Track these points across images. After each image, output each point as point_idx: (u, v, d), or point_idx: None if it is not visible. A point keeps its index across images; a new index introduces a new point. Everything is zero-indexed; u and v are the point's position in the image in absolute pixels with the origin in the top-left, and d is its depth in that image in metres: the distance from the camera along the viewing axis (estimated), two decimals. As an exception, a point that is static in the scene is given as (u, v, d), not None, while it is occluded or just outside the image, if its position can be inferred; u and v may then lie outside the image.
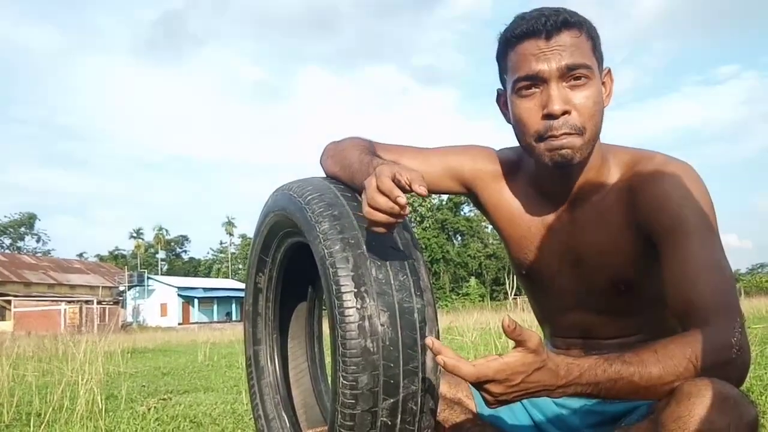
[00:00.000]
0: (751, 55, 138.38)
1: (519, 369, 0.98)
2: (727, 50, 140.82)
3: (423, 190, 1.02)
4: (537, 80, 1.19)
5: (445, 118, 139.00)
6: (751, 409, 0.97)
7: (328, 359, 1.31)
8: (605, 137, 1.30)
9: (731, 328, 1.05)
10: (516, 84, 1.21)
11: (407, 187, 1.03)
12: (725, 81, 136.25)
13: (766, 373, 3.43)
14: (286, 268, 1.52)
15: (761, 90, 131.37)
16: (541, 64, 1.17)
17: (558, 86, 1.17)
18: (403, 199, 1.03)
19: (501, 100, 1.31)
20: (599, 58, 1.23)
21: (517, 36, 1.20)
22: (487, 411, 1.38)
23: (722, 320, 1.06)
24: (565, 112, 1.17)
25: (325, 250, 1.10)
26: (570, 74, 1.17)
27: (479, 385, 0.99)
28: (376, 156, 1.25)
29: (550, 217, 1.33)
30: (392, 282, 1.08)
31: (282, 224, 1.35)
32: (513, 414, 1.40)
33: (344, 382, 1.05)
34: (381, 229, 1.07)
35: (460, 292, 59.82)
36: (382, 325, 1.05)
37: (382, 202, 1.04)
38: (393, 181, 1.04)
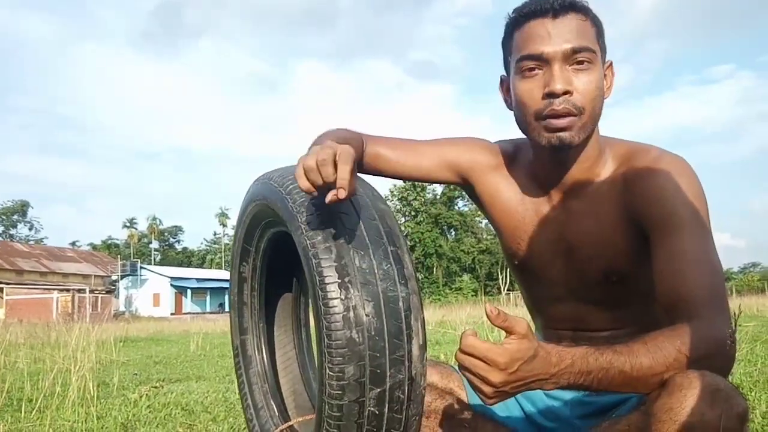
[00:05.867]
0: (746, 55, 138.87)
1: (517, 355, 0.97)
2: (722, 50, 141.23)
3: (342, 193, 0.99)
4: (541, 60, 1.19)
5: (442, 113, 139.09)
6: (741, 401, 0.97)
7: (314, 346, 1.30)
8: (602, 133, 1.30)
9: (720, 321, 1.06)
10: (519, 63, 1.22)
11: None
12: (720, 80, 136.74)
13: (755, 369, 3.46)
14: (269, 258, 1.51)
15: (756, 90, 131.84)
16: (546, 46, 1.18)
17: (561, 68, 1.18)
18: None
19: (504, 86, 1.32)
20: (602, 48, 1.24)
21: (525, 15, 1.21)
22: (479, 401, 1.37)
23: (711, 313, 1.07)
24: (567, 92, 1.17)
25: (307, 241, 1.08)
26: (574, 57, 1.18)
27: (478, 375, 0.98)
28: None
29: (545, 208, 1.33)
30: (376, 271, 1.07)
31: (264, 214, 1.33)
32: (504, 405, 1.40)
33: (330, 373, 1.04)
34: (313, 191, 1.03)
35: (453, 286, 59.94)
36: (367, 315, 1.04)
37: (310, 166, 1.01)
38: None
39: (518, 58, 1.22)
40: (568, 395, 1.35)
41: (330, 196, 1.00)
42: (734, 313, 1.10)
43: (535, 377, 1.00)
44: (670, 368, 1.01)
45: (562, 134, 1.19)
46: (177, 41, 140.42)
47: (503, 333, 1.00)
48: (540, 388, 1.03)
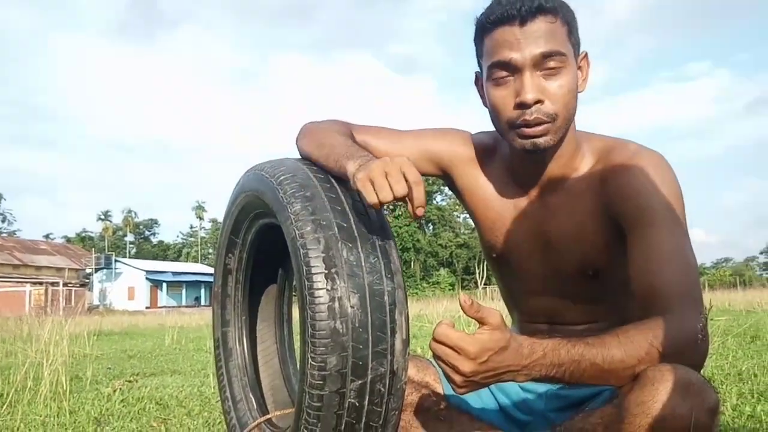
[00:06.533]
0: (722, 53, 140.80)
1: (488, 345, 0.99)
2: (698, 48, 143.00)
3: (420, 211, 1.06)
4: (511, 68, 1.19)
5: (423, 106, 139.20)
6: (712, 394, 0.99)
7: (297, 342, 1.31)
8: (579, 128, 1.31)
9: (694, 316, 1.07)
10: (490, 71, 1.22)
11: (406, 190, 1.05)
12: (696, 78, 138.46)
13: (727, 362, 3.51)
14: (256, 250, 1.51)
15: (731, 88, 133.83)
16: (515, 53, 1.17)
17: (531, 75, 1.18)
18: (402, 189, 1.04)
19: (479, 82, 1.32)
20: (575, 44, 1.23)
21: (492, 22, 1.20)
22: (454, 396, 1.38)
23: (685, 308, 1.08)
24: (538, 101, 1.17)
25: (296, 231, 1.09)
26: (544, 62, 1.17)
27: (449, 363, 1.00)
28: (358, 144, 1.26)
29: (523, 202, 1.35)
30: (363, 264, 1.08)
31: (253, 205, 1.33)
32: (479, 398, 1.41)
33: (312, 363, 1.04)
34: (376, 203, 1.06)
35: (431, 280, 60.09)
36: (352, 306, 1.05)
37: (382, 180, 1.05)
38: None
39: (489, 65, 1.22)
40: (542, 388, 1.37)
41: (414, 212, 1.06)
42: (706, 308, 1.12)
43: (507, 368, 1.02)
44: (642, 361, 1.03)
45: (536, 140, 1.20)
46: (154, 32, 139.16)
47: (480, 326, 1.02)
48: (512, 380, 1.04)
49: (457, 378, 1.01)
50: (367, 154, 1.17)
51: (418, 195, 1.05)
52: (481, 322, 1.00)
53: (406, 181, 1.05)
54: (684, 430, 0.95)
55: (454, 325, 1.02)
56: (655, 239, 1.15)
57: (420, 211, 1.05)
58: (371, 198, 1.05)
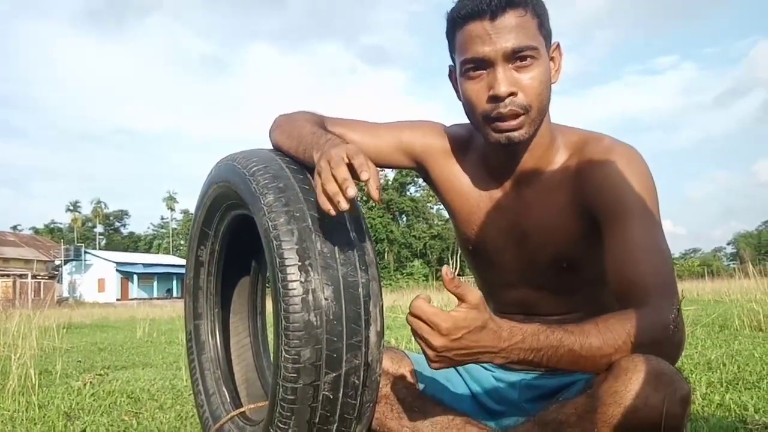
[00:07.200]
0: (689, 46, 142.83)
1: (461, 324, 0.99)
2: (666, 41, 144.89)
3: (375, 194, 1.03)
4: (483, 63, 1.19)
5: (394, 98, 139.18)
6: (684, 385, 1.00)
7: (270, 335, 1.30)
8: (552, 121, 1.31)
9: (669, 308, 1.09)
10: (463, 66, 1.22)
11: (357, 174, 1.03)
12: (664, 71, 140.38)
13: (696, 352, 3.57)
14: (228, 242, 1.49)
15: (698, 81, 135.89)
16: (487, 47, 1.17)
17: (504, 68, 1.18)
18: (352, 191, 1.02)
19: (453, 76, 1.31)
20: (546, 35, 1.24)
21: (462, 17, 1.20)
22: (428, 386, 1.39)
23: (661, 300, 1.10)
24: (511, 94, 1.18)
25: (269, 223, 1.08)
26: (515, 56, 1.18)
27: (422, 337, 1.01)
28: (328, 131, 1.24)
29: (498, 194, 1.35)
30: (337, 256, 1.07)
31: (225, 196, 1.32)
32: (453, 387, 1.41)
33: (286, 355, 1.04)
34: (331, 212, 1.05)
35: (405, 271, 60.30)
36: (326, 299, 1.04)
37: (332, 191, 1.03)
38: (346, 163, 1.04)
39: (461, 60, 1.22)
40: (515, 377, 1.38)
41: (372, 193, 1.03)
42: (680, 299, 1.14)
43: (483, 349, 1.02)
44: (619, 351, 1.04)
45: (510, 134, 1.20)
46: (123, 19, 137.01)
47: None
48: (490, 361, 1.05)
49: (430, 352, 1.02)
50: (330, 138, 1.16)
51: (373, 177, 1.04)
52: (460, 299, 1.01)
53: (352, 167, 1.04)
54: (656, 419, 0.97)
55: (431, 300, 1.03)
56: (630, 232, 1.17)
57: (375, 194, 1.03)
58: (324, 205, 1.05)
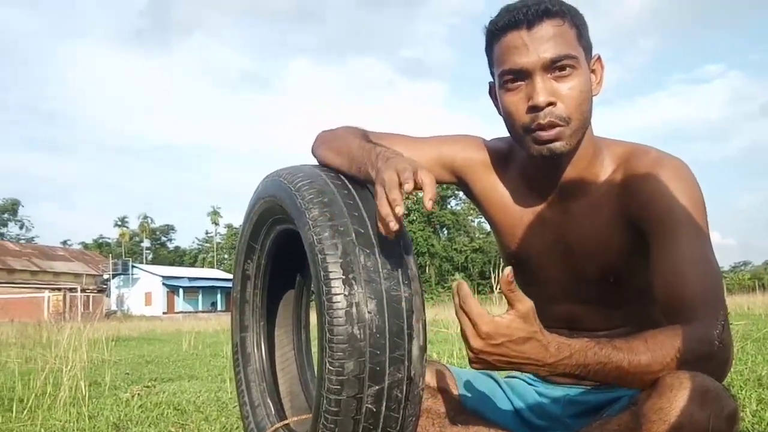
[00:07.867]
0: (736, 54, 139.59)
1: (503, 330, 1.00)
2: (712, 49, 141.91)
3: (429, 205, 1.04)
4: (521, 74, 1.19)
5: (432, 111, 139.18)
6: (730, 402, 0.98)
7: (314, 349, 1.32)
8: (594, 133, 1.30)
9: (715, 324, 1.07)
10: (502, 77, 1.22)
11: (419, 185, 1.04)
12: (711, 80, 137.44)
13: (746, 368, 3.47)
14: (274, 256, 1.52)
15: (745, 90, 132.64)
16: (524, 58, 1.17)
17: (543, 78, 1.18)
18: (400, 209, 1.03)
19: (492, 91, 1.31)
20: (585, 47, 1.23)
21: (500, 28, 1.21)
22: (470, 401, 1.39)
23: (708, 315, 1.08)
24: (550, 104, 1.17)
25: (314, 237, 1.09)
26: (554, 66, 1.17)
27: (464, 334, 1.02)
28: (375, 144, 1.24)
29: (541, 207, 1.34)
30: (380, 270, 1.08)
31: (271, 211, 1.34)
32: (495, 402, 1.41)
33: (330, 368, 1.05)
34: (390, 235, 1.06)
35: (446, 285, 59.92)
36: (369, 312, 1.05)
37: (385, 212, 1.04)
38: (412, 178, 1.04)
39: (500, 72, 1.22)
40: (559, 393, 1.37)
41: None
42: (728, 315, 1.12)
43: (527, 360, 1.02)
44: (666, 368, 1.02)
45: (551, 145, 1.19)
46: (167, 39, 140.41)
47: None
48: (534, 373, 1.06)
49: (468, 351, 1.03)
50: (380, 153, 1.16)
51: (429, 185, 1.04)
52: (510, 304, 1.01)
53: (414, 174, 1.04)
54: None
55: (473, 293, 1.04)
56: (678, 246, 1.15)
57: (429, 205, 1.04)
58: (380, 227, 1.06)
